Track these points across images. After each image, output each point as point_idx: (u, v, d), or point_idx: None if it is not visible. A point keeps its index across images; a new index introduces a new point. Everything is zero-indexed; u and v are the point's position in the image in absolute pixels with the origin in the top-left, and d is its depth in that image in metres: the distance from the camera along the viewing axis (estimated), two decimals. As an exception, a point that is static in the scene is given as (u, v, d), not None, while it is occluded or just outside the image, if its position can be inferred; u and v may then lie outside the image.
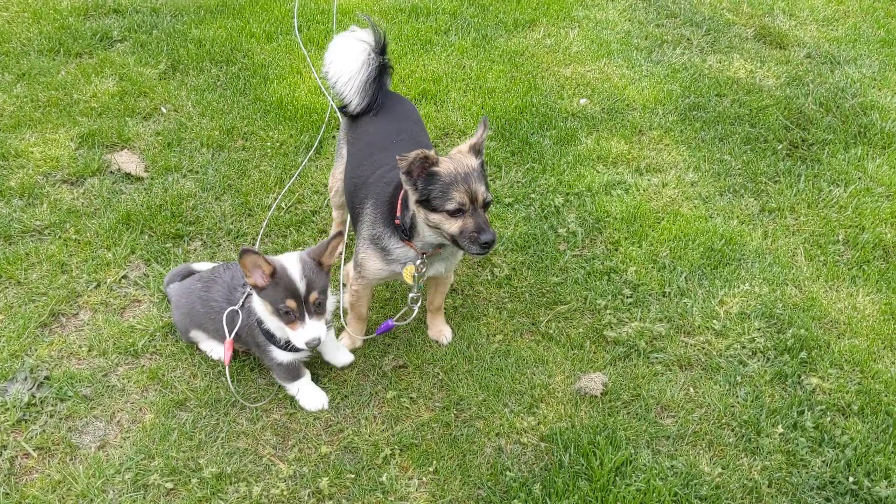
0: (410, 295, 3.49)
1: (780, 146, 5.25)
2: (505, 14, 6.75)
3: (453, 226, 3.07)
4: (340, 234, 3.15)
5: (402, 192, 3.23)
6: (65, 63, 5.71)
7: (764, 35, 6.74)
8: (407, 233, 3.26)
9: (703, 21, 6.88)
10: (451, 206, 3.03)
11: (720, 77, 6.04)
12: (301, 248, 4.20)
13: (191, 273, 3.71)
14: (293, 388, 3.38)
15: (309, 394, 3.40)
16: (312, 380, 3.44)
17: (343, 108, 3.77)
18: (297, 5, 6.56)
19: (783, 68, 6.23)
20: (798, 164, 5.10)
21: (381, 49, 3.69)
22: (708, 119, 5.51)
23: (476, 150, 3.16)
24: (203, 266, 3.78)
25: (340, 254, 4.07)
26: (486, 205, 3.11)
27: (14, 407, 3.27)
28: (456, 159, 3.09)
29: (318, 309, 3.06)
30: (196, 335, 3.53)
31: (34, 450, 3.14)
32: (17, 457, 3.12)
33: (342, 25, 6.30)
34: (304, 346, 3.07)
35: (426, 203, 3.07)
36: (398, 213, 3.26)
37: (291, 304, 2.99)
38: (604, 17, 6.86)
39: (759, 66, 6.24)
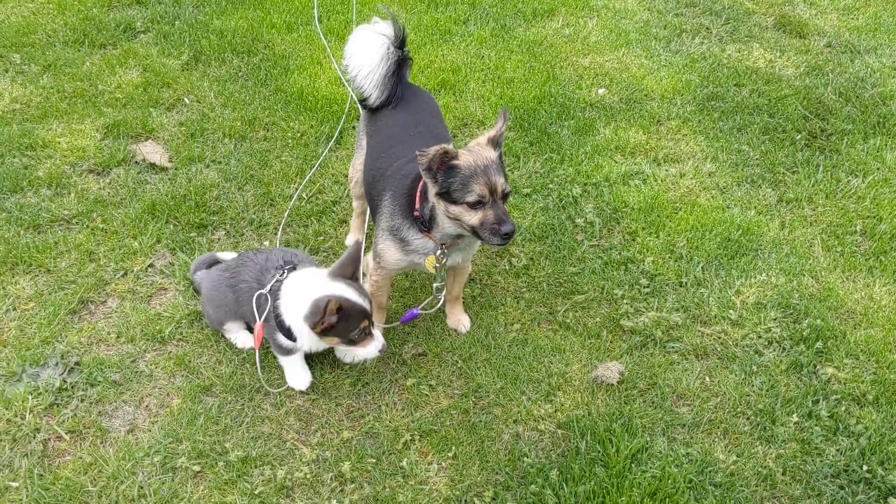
0: (435, 285, 3.56)
1: (799, 136, 5.26)
2: (524, 3, 6.76)
3: (473, 217, 3.13)
4: (357, 242, 3.29)
5: (421, 183, 3.28)
6: (89, 54, 5.80)
7: (784, 24, 6.72)
8: (426, 224, 3.32)
9: (722, 10, 6.86)
10: (471, 198, 3.09)
11: (739, 67, 6.04)
12: (321, 237, 4.28)
13: (216, 261, 3.79)
14: (284, 361, 3.50)
15: (294, 371, 3.51)
16: (333, 366, 3.53)
17: (363, 101, 3.83)
18: (317, -4, 6.62)
19: (803, 58, 6.21)
20: (816, 154, 5.11)
21: (400, 42, 3.74)
22: (726, 109, 5.52)
23: (494, 143, 3.21)
24: (227, 255, 3.86)
25: (359, 243, 4.14)
26: (505, 196, 3.16)
27: (46, 391, 3.37)
28: (475, 152, 3.15)
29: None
30: (230, 326, 3.62)
31: (66, 433, 3.24)
32: (49, 439, 3.22)
33: (362, 16, 6.34)
34: (378, 354, 3.31)
35: (446, 195, 3.13)
36: (417, 205, 3.32)
37: (364, 323, 3.17)
38: (623, 7, 6.86)
39: (779, 56, 6.23)
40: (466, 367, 3.63)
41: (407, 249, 3.42)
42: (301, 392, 3.47)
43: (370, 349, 3.26)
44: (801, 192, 4.77)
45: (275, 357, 3.60)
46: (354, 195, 4.14)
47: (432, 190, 3.18)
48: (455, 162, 3.09)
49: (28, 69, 5.56)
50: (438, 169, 3.10)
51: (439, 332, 3.81)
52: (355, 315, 3.13)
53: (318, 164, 4.75)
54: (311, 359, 3.57)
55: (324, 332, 3.15)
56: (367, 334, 3.22)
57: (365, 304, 3.17)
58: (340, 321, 3.09)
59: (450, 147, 3.07)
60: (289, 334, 3.28)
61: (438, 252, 3.36)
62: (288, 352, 3.41)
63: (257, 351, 3.42)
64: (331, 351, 3.61)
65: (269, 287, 3.32)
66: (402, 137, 3.63)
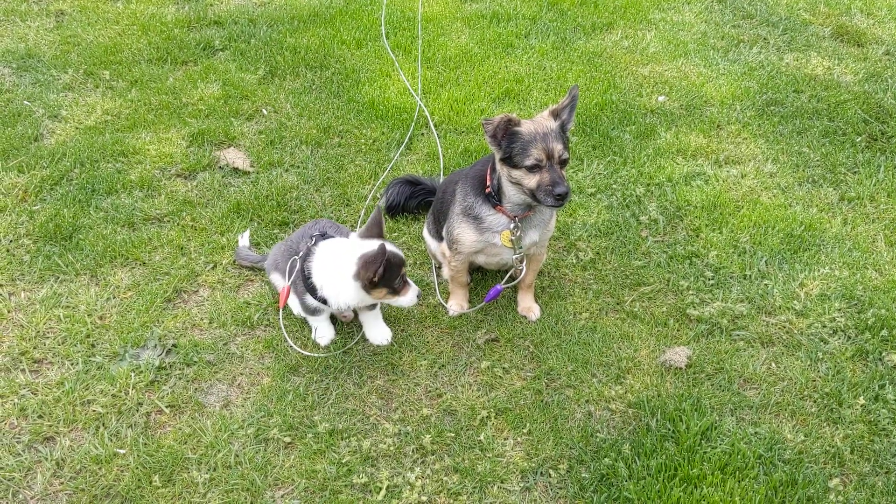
0: (514, 256, 3.74)
1: (859, 139, 5.34)
2: (583, 18, 6.98)
3: (532, 180, 3.38)
4: (378, 207, 3.65)
5: (492, 161, 3.55)
6: (172, 70, 6.16)
7: (841, 34, 6.81)
8: (496, 196, 3.55)
9: (779, 21, 6.98)
10: (528, 161, 3.34)
11: (797, 74, 6.14)
12: (395, 233, 4.50)
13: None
14: (313, 322, 3.82)
15: (321, 330, 3.84)
16: (410, 350, 3.73)
17: None
18: (384, 14, 6.91)
19: (861, 65, 6.29)
20: (878, 155, 5.18)
21: None
22: (786, 114, 5.63)
23: (555, 114, 3.44)
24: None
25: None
26: (562, 162, 3.40)
27: (147, 370, 3.62)
28: (536, 121, 3.41)
29: None
30: (274, 277, 3.96)
31: (166, 407, 3.48)
32: (151, 413, 3.47)
33: (427, 31, 6.63)
34: (416, 301, 3.58)
35: (508, 160, 3.40)
36: (488, 182, 3.57)
37: (403, 271, 3.49)
38: (680, 20, 7.03)
39: (837, 64, 6.32)
40: (538, 352, 3.79)
41: (481, 228, 3.64)
42: (323, 347, 3.80)
43: (410, 296, 3.54)
44: (862, 190, 4.85)
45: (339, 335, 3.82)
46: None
47: (497, 156, 3.45)
48: (517, 129, 3.36)
49: (117, 84, 5.93)
50: (503, 136, 3.37)
51: (510, 319, 3.98)
52: (396, 263, 3.40)
53: (390, 167, 4.99)
54: (347, 326, 3.77)
55: (373, 285, 3.39)
56: (405, 282, 3.51)
57: (400, 252, 3.47)
58: (386, 270, 3.35)
59: (513, 115, 3.35)
60: (314, 293, 3.57)
61: (512, 226, 3.57)
62: (314, 312, 3.72)
63: (281, 311, 3.83)
64: (397, 333, 3.82)
65: (301, 253, 3.65)
66: None
